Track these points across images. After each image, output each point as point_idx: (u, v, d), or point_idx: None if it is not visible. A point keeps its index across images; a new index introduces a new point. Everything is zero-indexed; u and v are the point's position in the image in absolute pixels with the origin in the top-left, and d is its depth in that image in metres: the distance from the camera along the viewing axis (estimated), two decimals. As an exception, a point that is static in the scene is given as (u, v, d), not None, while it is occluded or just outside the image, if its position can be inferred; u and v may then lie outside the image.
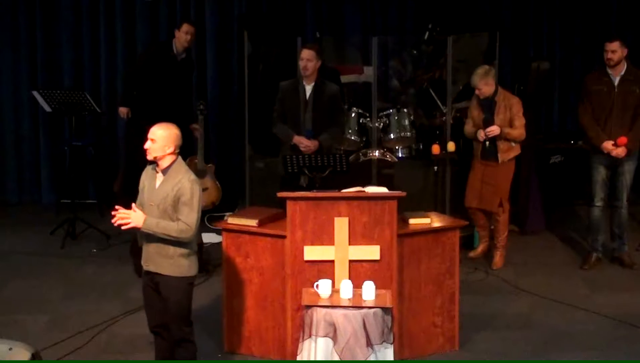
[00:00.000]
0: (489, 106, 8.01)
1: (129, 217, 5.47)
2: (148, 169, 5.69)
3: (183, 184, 5.49)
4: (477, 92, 8.05)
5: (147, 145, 5.51)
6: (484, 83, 7.98)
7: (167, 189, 5.51)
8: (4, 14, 10.23)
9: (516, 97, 8.22)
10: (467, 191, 8.23)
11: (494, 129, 7.96)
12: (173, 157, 5.55)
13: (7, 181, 10.53)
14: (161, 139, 5.49)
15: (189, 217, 5.48)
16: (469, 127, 8.22)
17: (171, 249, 5.54)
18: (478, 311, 7.15)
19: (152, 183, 5.60)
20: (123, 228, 5.52)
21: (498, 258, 8.24)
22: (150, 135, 5.51)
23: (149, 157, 5.54)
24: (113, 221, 5.53)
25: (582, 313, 7.18)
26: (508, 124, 8.01)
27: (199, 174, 8.82)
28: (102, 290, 7.69)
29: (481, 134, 8.01)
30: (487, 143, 8.02)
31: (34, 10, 10.24)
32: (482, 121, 8.03)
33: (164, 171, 5.55)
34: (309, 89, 7.76)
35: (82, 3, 10.24)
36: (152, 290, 5.67)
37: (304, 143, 7.64)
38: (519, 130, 8.03)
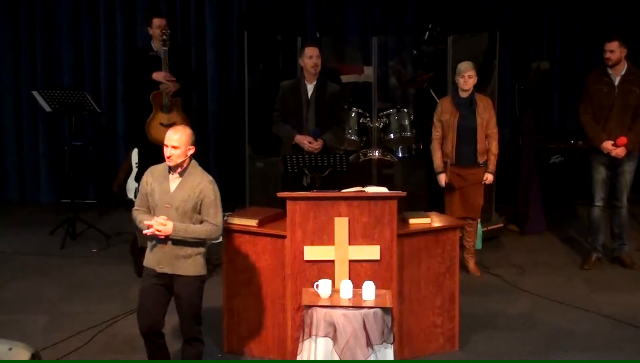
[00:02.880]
0: (467, 105, 7.82)
1: (164, 226, 5.49)
2: (154, 171, 5.69)
3: (205, 186, 5.55)
4: (461, 81, 7.72)
5: (169, 152, 5.51)
6: (473, 74, 7.75)
7: (187, 191, 5.55)
8: (4, 14, 10.23)
9: (489, 98, 8.08)
10: (452, 206, 7.87)
11: (489, 179, 7.84)
12: (188, 159, 5.59)
13: (7, 181, 10.53)
14: (183, 144, 5.52)
15: (217, 218, 5.59)
16: (436, 147, 7.89)
17: (189, 249, 5.62)
18: (478, 311, 7.15)
19: (163, 185, 5.61)
20: (158, 236, 5.52)
21: (475, 265, 8.10)
22: (169, 142, 5.51)
23: (171, 163, 5.54)
24: (148, 232, 5.52)
25: (582, 313, 7.18)
26: (485, 126, 7.84)
27: (165, 109, 8.47)
28: (102, 290, 7.69)
29: (442, 179, 7.80)
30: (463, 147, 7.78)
31: (34, 11, 10.24)
32: (457, 122, 7.79)
33: (181, 173, 5.58)
34: (310, 88, 7.77)
35: (82, 3, 10.24)
36: (158, 293, 5.66)
37: (307, 142, 7.64)
38: (494, 143, 7.84)
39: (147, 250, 5.74)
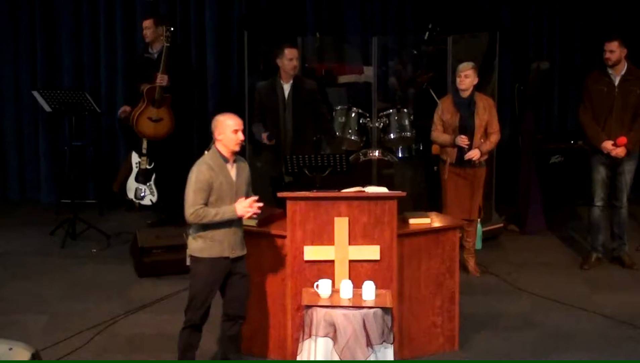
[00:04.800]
0: (467, 105, 7.82)
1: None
2: (211, 165, 5.72)
3: (247, 166, 5.93)
4: (458, 80, 7.76)
5: (242, 136, 5.74)
6: (470, 73, 7.75)
7: (245, 175, 5.84)
8: (4, 14, 10.23)
9: (491, 98, 8.09)
10: (448, 205, 7.87)
11: (474, 154, 7.75)
12: None
13: (7, 180, 10.53)
14: None
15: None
16: (438, 133, 7.90)
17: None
18: (478, 311, 7.15)
19: (227, 177, 5.75)
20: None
21: (475, 265, 8.08)
22: (241, 126, 5.76)
23: (240, 148, 5.78)
24: (255, 210, 5.73)
25: (582, 313, 7.18)
26: (485, 126, 7.83)
27: (155, 104, 8.71)
28: (102, 290, 7.69)
29: (462, 140, 7.72)
30: (465, 148, 7.76)
31: (34, 10, 10.24)
32: (458, 122, 7.79)
33: (234, 160, 5.79)
34: (287, 88, 7.85)
35: (82, 3, 10.24)
36: (226, 278, 5.82)
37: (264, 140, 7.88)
38: (495, 135, 7.85)
39: (207, 241, 5.72)
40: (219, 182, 5.69)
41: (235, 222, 5.75)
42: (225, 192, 5.70)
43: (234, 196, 5.72)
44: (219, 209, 5.66)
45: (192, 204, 5.65)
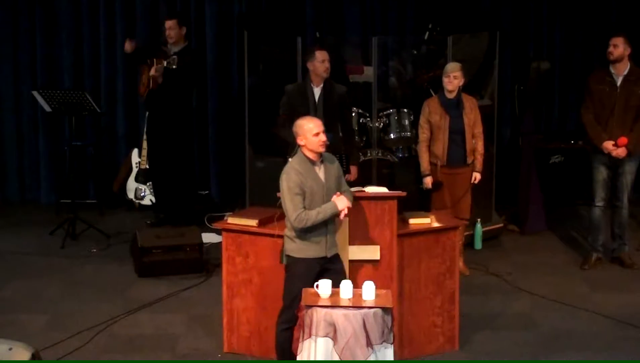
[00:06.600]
0: (455, 106, 7.79)
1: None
2: (299, 169, 5.72)
3: (337, 161, 5.92)
4: (446, 80, 7.73)
5: (324, 136, 5.74)
6: (459, 75, 7.72)
7: (334, 173, 5.82)
8: (4, 14, 10.22)
9: (474, 98, 8.05)
10: (436, 205, 7.81)
11: (477, 180, 7.85)
12: None
13: (7, 181, 10.52)
14: None
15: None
16: (422, 151, 7.85)
17: None
18: (478, 311, 7.15)
19: (316, 179, 5.74)
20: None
21: (463, 264, 7.96)
22: (320, 128, 5.73)
23: (324, 149, 5.77)
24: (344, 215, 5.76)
25: (582, 313, 7.18)
26: (472, 125, 7.81)
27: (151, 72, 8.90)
28: (102, 290, 7.69)
29: (427, 184, 7.79)
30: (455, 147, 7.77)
31: (34, 11, 10.23)
32: (448, 124, 7.76)
33: (321, 160, 5.80)
34: (317, 91, 7.73)
35: (82, 3, 10.23)
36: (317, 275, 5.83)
37: None
38: (481, 141, 7.84)
39: (305, 242, 5.77)
40: (309, 185, 5.71)
41: (329, 222, 5.77)
42: (317, 194, 5.72)
43: (324, 197, 5.73)
44: (320, 209, 5.70)
45: (294, 210, 5.69)
